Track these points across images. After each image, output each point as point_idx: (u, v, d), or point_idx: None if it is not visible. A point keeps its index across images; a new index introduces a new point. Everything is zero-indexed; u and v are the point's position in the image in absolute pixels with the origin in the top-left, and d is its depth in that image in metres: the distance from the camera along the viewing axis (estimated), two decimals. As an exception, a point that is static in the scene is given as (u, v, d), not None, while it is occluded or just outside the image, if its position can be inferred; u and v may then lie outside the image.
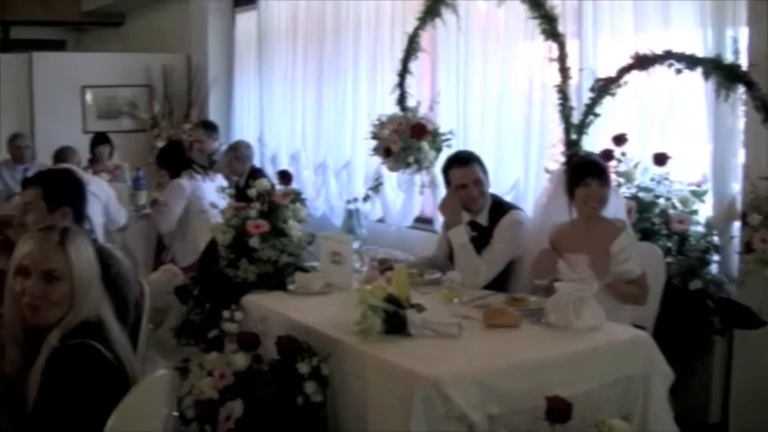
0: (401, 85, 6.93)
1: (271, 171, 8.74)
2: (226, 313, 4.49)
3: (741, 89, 4.92)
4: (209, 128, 9.33)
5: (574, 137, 5.61)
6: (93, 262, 2.96)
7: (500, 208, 5.18)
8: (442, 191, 5.54)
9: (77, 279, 2.86)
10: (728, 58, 4.97)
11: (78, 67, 11.23)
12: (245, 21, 10.37)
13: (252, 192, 5.08)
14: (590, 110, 5.51)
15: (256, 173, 7.99)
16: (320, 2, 8.50)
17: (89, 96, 11.13)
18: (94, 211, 6.32)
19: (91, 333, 2.81)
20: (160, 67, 11.06)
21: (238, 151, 8.36)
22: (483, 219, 5.14)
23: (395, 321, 3.89)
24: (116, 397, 2.69)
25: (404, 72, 6.92)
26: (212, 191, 6.92)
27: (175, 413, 3.17)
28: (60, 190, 4.22)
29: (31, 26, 13.90)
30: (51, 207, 4.12)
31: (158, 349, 4.66)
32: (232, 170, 8.20)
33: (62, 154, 8.24)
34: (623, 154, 5.50)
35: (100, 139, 9.61)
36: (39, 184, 4.27)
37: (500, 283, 4.94)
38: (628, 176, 5.47)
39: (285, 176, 5.41)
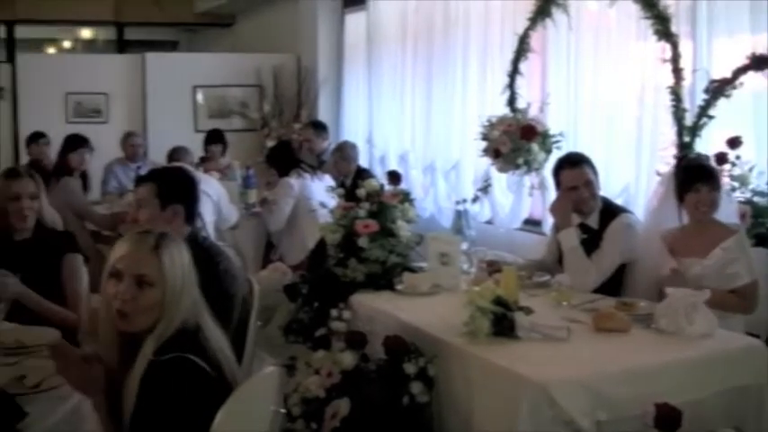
0: (511, 85, 6.89)
1: (379, 171, 8.76)
2: (334, 312, 4.51)
3: None
4: (319, 128, 9.39)
5: (686, 139, 5.50)
6: (188, 269, 2.92)
7: (611, 211, 5.10)
8: (552, 193, 5.49)
9: (169, 286, 2.82)
10: None
11: (190, 67, 11.43)
12: (355, 21, 10.41)
13: (361, 192, 5.09)
14: (704, 112, 5.40)
15: (363, 173, 8.02)
16: (430, 2, 8.48)
17: (200, 96, 11.30)
18: (206, 210, 6.40)
19: (187, 343, 2.79)
20: (270, 67, 11.17)
21: (344, 152, 8.40)
22: (593, 221, 5.06)
23: (503, 323, 3.86)
24: (214, 408, 2.68)
25: (514, 73, 6.88)
26: (321, 190, 6.97)
27: (282, 410, 3.19)
28: (173, 187, 4.25)
29: (144, 27, 14.20)
30: (164, 204, 4.15)
31: (266, 347, 4.69)
32: (338, 170, 8.24)
33: (176, 153, 8.37)
34: (738, 157, 5.37)
35: (213, 138, 9.74)
36: (152, 181, 4.30)
37: (610, 286, 4.86)
38: (742, 180, 5.34)
39: (394, 177, 5.42)
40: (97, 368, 2.83)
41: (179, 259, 2.89)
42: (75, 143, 8.31)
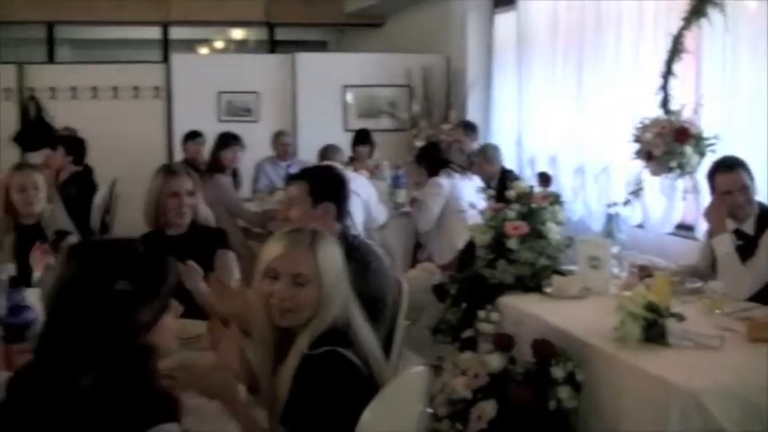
0: (664, 87, 6.74)
1: (528, 173, 8.71)
2: (482, 313, 4.51)
3: None
4: (469, 128, 9.40)
5: None
6: (340, 266, 2.96)
7: (768, 217, 4.97)
8: (706, 197, 5.37)
9: (325, 284, 2.86)
10: None
11: (340, 67, 11.56)
12: (504, 21, 10.34)
13: (511, 193, 5.08)
14: None
15: (507, 174, 8.00)
16: (581, 2, 8.39)
17: (350, 96, 11.41)
18: (355, 209, 6.47)
19: (339, 338, 2.83)
20: (419, 67, 11.20)
21: (486, 153, 8.40)
22: (749, 227, 4.93)
23: (654, 330, 3.80)
24: (362, 404, 2.70)
25: (667, 73, 6.73)
26: (470, 191, 6.97)
27: (429, 410, 3.21)
28: (324, 186, 4.29)
29: (294, 27, 14.42)
30: (315, 202, 4.20)
31: (413, 346, 4.71)
32: (482, 172, 8.22)
33: (327, 152, 8.48)
34: None
35: (361, 138, 9.84)
36: (304, 179, 4.35)
37: (766, 295, 4.73)
38: None
39: (545, 178, 5.37)
40: (224, 374, 2.91)
41: (333, 257, 2.94)
42: (228, 140, 8.51)
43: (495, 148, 8.53)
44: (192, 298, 3.98)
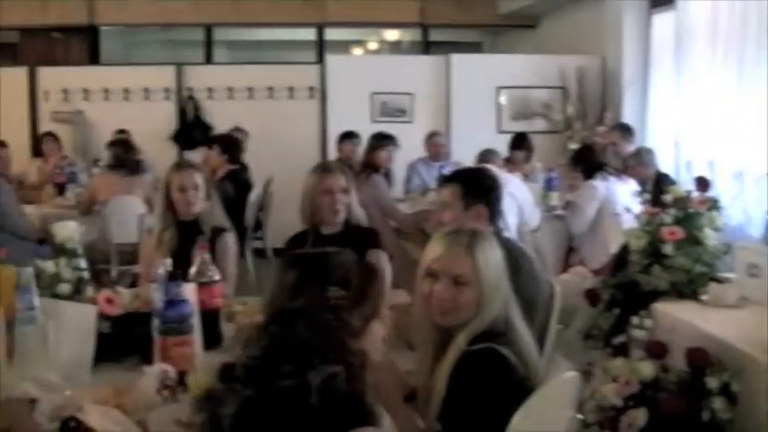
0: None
1: (686, 177, 8.51)
2: (635, 319, 4.42)
3: None
4: (625, 130, 9.23)
5: None
6: (500, 266, 2.97)
7: None
8: None
9: (485, 284, 2.88)
10: None
11: (493, 68, 11.54)
12: (662, 21, 10.12)
13: (667, 197, 4.97)
14: None
15: (662, 178, 7.84)
16: (743, 1, 8.14)
17: (503, 97, 11.37)
18: (509, 211, 6.43)
19: (498, 337, 2.84)
20: (574, 68, 11.09)
21: (641, 157, 8.24)
22: None
23: (816, 341, 3.68)
24: (517, 403, 2.68)
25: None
26: (626, 194, 6.85)
27: (579, 416, 3.17)
28: (477, 188, 4.29)
29: (449, 29, 14.43)
30: (467, 205, 4.21)
31: (563, 350, 4.65)
32: (636, 175, 8.07)
33: (484, 156, 8.44)
34: None
35: (519, 143, 9.75)
36: (456, 181, 4.37)
37: None
38: None
39: (703, 183, 5.23)
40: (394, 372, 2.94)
41: (492, 257, 2.95)
42: (382, 140, 8.57)
43: (649, 152, 8.37)
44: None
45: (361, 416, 2.07)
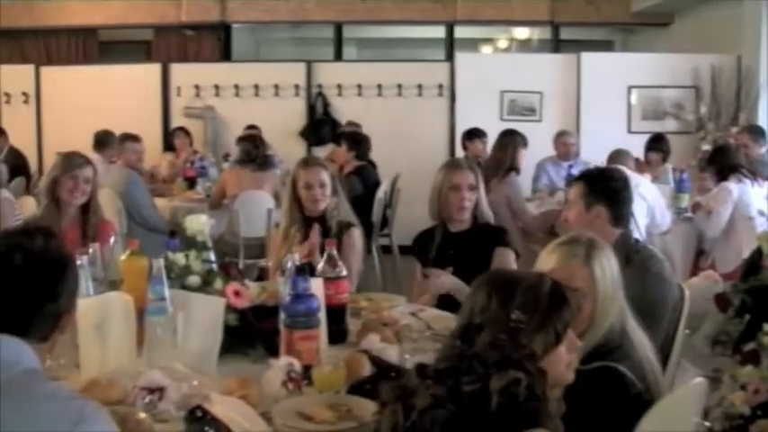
0: None
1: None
2: (766, 326, 4.31)
3: None
4: (755, 132, 8.98)
5: None
6: (617, 277, 2.94)
7: None
8: None
9: (600, 296, 2.85)
10: None
11: (625, 67, 11.42)
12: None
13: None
14: None
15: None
16: None
17: (634, 97, 11.20)
18: (639, 213, 6.35)
19: (613, 352, 2.81)
20: (708, 67, 10.85)
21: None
22: None
23: None
24: (637, 418, 2.64)
25: None
26: (760, 198, 6.68)
27: (706, 423, 3.11)
28: (599, 189, 4.23)
29: (579, 27, 14.27)
30: (588, 205, 4.17)
31: (690, 355, 4.57)
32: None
33: (616, 156, 8.32)
34: None
35: (654, 145, 9.54)
36: (582, 181, 4.34)
37: None
38: None
39: (841, 189, 5.09)
40: None
41: (608, 268, 2.91)
42: (511, 137, 8.48)
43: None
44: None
45: (537, 419, 2.13)
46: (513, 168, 8.03)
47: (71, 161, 5.23)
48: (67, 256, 2.42)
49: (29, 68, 12.47)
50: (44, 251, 2.33)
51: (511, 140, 8.23)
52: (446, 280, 4.37)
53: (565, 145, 9.76)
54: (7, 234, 2.46)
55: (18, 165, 10.06)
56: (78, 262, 3.57)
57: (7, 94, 12.33)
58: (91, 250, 3.97)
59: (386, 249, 9.43)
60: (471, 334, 2.25)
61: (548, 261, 2.92)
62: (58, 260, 2.37)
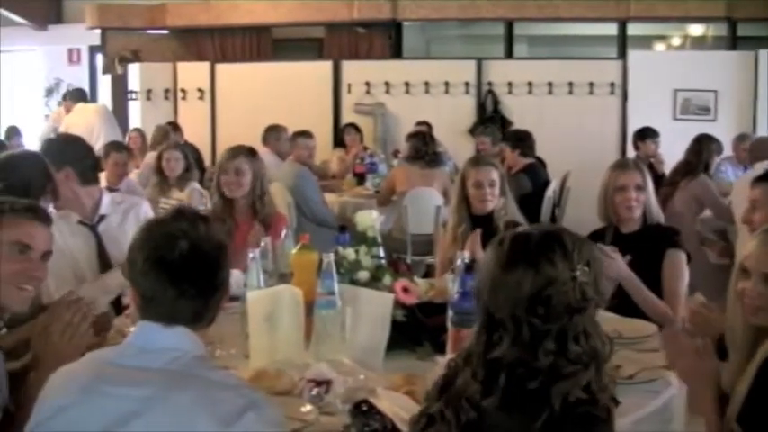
0: None
1: None
2: None
3: None
4: None
5: None
6: None
7: None
8: None
9: None
10: None
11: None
12: None
13: None
14: None
15: None
16: None
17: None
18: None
19: None
20: None
21: None
22: None
23: None
24: None
25: None
26: None
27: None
28: None
29: (758, 23, 13.77)
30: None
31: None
32: None
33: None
34: None
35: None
36: (766, 181, 4.26)
37: None
38: None
39: None
40: (709, 362, 2.92)
41: None
42: (707, 143, 8.23)
43: None
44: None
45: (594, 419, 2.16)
46: (704, 169, 7.87)
47: (225, 154, 5.29)
48: (225, 239, 2.44)
49: (204, 65, 12.90)
50: (209, 238, 2.35)
51: (706, 147, 8.04)
52: (622, 266, 4.28)
53: (746, 151, 9.43)
54: (165, 221, 2.41)
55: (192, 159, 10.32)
56: (251, 255, 3.66)
57: (183, 91, 12.76)
58: (263, 243, 4.03)
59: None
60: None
61: (747, 246, 2.89)
62: (222, 246, 2.40)
